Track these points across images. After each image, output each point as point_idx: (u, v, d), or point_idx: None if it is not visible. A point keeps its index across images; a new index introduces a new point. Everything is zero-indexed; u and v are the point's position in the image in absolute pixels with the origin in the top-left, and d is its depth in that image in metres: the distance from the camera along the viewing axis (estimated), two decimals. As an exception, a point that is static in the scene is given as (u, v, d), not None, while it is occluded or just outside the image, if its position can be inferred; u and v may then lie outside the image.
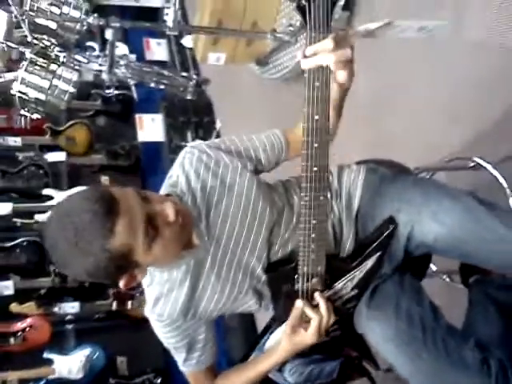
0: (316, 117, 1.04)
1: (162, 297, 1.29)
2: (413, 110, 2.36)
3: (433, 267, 1.82)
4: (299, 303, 1.26)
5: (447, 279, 1.91)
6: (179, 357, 1.38)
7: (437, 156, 1.88)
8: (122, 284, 1.20)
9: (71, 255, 1.08)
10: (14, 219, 3.34)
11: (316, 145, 1.07)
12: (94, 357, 3.09)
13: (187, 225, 1.21)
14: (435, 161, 1.85)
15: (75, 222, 1.06)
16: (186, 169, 1.30)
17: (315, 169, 1.10)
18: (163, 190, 1.32)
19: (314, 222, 1.16)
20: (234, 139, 1.36)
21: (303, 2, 0.93)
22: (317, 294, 1.26)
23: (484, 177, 1.66)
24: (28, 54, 2.38)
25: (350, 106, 1.27)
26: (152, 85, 2.88)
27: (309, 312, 1.24)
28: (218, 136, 3.91)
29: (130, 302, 3.30)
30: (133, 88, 3.84)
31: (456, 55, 2.12)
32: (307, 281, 1.25)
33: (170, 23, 2.53)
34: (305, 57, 1.00)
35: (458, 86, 2.12)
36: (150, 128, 3.99)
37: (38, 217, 3.35)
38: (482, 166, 1.65)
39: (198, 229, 1.26)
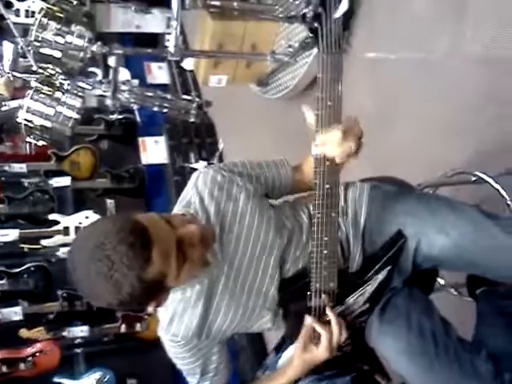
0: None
1: (176, 317, 1.29)
2: (413, 127, 2.38)
3: (440, 281, 1.84)
4: (308, 320, 1.27)
5: (455, 292, 1.92)
6: (193, 378, 1.38)
7: (438, 172, 1.89)
8: (150, 308, 1.19)
9: (104, 288, 1.05)
10: (21, 245, 3.36)
11: (327, 162, 1.10)
12: (105, 380, 3.05)
13: (209, 242, 1.21)
14: (436, 176, 1.87)
15: (109, 255, 1.03)
16: (199, 189, 1.30)
17: (327, 186, 1.12)
18: (176, 211, 1.33)
19: (326, 238, 1.19)
20: (245, 163, 1.38)
21: (315, 25, 0.96)
22: (328, 310, 1.28)
23: (485, 190, 1.68)
24: (33, 82, 2.43)
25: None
26: (155, 109, 2.91)
27: (319, 328, 1.26)
28: (220, 156, 3.93)
29: (138, 325, 3.29)
30: (136, 112, 3.92)
31: (456, 70, 2.14)
32: (319, 297, 1.27)
33: (171, 48, 2.57)
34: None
35: (457, 100, 2.14)
36: (154, 150, 4.02)
37: (45, 242, 3.37)
38: (484, 180, 1.68)
39: (212, 248, 1.26)
